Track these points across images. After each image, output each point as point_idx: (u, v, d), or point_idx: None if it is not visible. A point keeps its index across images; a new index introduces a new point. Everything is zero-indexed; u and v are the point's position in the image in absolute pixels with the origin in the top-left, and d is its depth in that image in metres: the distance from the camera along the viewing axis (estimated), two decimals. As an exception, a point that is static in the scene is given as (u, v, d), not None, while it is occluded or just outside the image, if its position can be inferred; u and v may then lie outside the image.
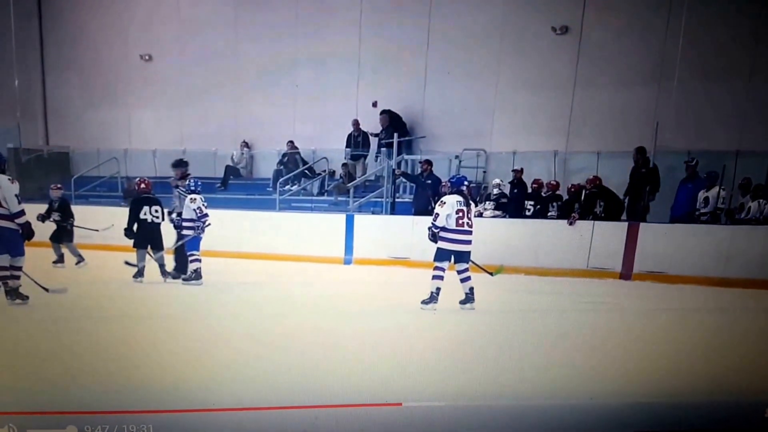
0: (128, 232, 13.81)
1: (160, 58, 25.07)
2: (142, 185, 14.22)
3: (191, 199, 13.50)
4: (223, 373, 6.68)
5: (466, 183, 11.65)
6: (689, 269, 15.31)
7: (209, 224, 13.64)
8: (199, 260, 13.58)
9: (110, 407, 5.46)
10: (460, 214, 11.15)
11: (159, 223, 13.96)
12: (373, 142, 21.35)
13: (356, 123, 21.57)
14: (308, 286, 14.53)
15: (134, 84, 25.32)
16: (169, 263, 14.18)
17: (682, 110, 17.68)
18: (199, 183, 13.97)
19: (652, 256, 15.81)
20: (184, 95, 24.49)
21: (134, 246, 13.85)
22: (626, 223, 16.41)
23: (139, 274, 13.70)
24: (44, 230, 15.28)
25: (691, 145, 17.09)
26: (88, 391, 5.97)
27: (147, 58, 25.15)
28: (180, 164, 14.61)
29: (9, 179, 10.35)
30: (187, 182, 13.93)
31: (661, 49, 18.15)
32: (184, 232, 13.66)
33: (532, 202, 17.90)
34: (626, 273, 15.97)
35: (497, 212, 17.73)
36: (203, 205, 13.58)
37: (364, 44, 22.02)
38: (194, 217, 13.48)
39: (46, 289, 11.07)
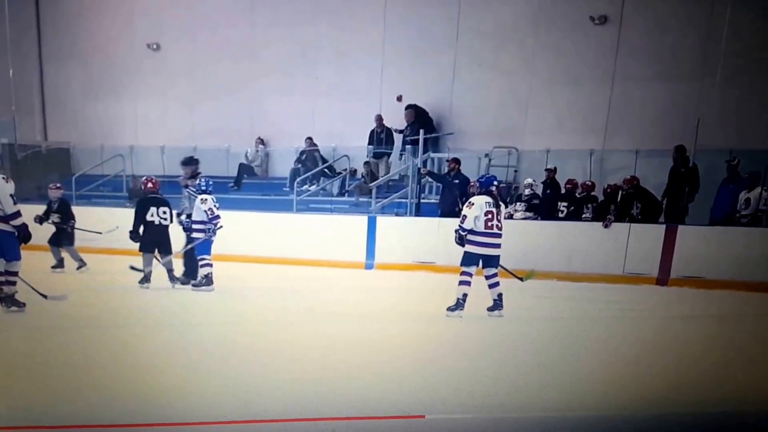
0: (134, 234, 13.80)
1: (169, 47, 25.15)
2: (149, 184, 14.22)
3: (202, 199, 13.48)
4: (237, 384, 6.72)
5: (495, 183, 11.74)
6: (729, 274, 15.35)
7: (221, 226, 13.60)
8: (210, 265, 13.59)
9: (113, 421, 5.53)
10: (489, 215, 11.19)
11: (167, 226, 13.97)
12: (398, 138, 21.37)
13: (380, 118, 21.58)
14: (327, 293, 14.60)
15: (141, 75, 25.35)
16: (178, 268, 14.21)
17: (724, 107, 17.68)
18: (211, 182, 13.95)
19: (690, 260, 15.90)
20: (195, 87, 24.53)
21: (140, 250, 13.86)
22: (664, 226, 16.50)
23: (146, 279, 13.74)
24: (42, 233, 15.33)
25: (733, 144, 17.15)
26: (89, 404, 6.04)
27: (155, 47, 25.21)
28: (190, 162, 14.68)
29: (3, 178, 10.36)
30: (197, 181, 13.94)
31: (704, 42, 18.18)
32: (194, 234, 13.67)
33: (565, 204, 17.95)
34: (663, 278, 16.04)
35: (528, 214, 17.83)
36: (215, 206, 13.55)
37: (389, 34, 22.04)
38: (205, 218, 13.45)
39: (45, 296, 11.01)
